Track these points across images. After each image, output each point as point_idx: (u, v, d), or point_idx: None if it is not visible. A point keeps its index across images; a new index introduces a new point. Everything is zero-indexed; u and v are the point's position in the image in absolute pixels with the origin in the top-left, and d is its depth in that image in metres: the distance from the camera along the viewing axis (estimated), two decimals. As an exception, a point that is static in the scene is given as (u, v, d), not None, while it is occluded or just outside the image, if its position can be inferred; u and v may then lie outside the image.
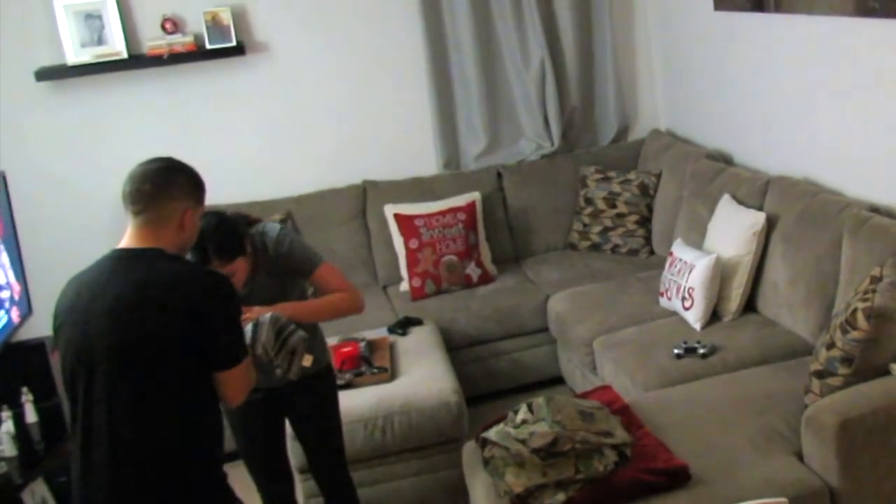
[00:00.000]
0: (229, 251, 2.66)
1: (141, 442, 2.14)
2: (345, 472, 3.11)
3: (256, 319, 2.54)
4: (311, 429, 3.04)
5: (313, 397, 2.98)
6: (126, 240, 2.22)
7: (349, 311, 2.92)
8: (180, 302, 2.12)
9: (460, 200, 4.60)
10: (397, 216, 4.56)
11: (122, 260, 2.20)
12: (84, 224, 4.57)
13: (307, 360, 2.64)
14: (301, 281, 2.94)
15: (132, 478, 2.14)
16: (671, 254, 3.92)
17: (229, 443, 3.12)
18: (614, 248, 4.67)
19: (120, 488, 2.15)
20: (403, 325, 4.10)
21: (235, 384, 2.25)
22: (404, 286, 4.53)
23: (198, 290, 2.16)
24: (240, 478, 3.39)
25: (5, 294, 3.59)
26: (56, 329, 2.24)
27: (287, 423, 3.10)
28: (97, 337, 2.13)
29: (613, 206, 4.66)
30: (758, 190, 3.79)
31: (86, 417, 2.16)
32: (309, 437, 3.06)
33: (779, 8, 3.74)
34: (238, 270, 2.70)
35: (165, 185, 2.21)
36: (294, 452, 3.25)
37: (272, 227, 2.89)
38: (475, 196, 4.64)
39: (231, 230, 2.70)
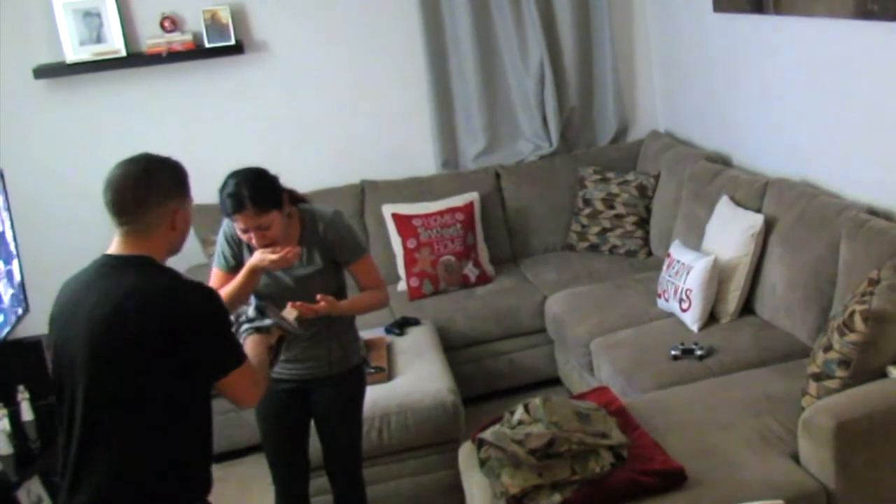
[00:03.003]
0: (265, 200, 2.67)
1: (110, 451, 2.07)
2: (359, 473, 3.10)
3: (253, 325, 2.51)
4: (333, 425, 3.02)
5: (341, 394, 2.98)
6: (113, 246, 2.13)
7: (383, 307, 3.06)
8: (158, 317, 2.03)
9: (458, 201, 4.59)
10: (395, 216, 4.56)
11: (106, 268, 2.12)
12: (82, 222, 4.55)
13: (290, 314, 2.65)
14: (338, 273, 2.94)
15: (93, 488, 2.08)
16: (669, 255, 3.91)
17: (252, 434, 3.13)
18: (612, 249, 4.67)
19: (82, 495, 2.10)
20: (401, 325, 4.10)
21: (239, 389, 2.19)
22: (402, 286, 4.52)
23: (178, 307, 2.06)
24: (252, 473, 3.42)
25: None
26: (49, 333, 2.21)
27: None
28: (77, 344, 2.07)
29: (612, 207, 4.65)
30: (756, 192, 3.78)
31: (68, 420, 2.11)
32: (330, 433, 3.04)
33: (778, 10, 3.73)
34: (272, 225, 2.70)
35: (146, 192, 2.10)
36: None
37: (324, 207, 2.93)
38: (473, 196, 4.64)
39: (270, 182, 2.73)
